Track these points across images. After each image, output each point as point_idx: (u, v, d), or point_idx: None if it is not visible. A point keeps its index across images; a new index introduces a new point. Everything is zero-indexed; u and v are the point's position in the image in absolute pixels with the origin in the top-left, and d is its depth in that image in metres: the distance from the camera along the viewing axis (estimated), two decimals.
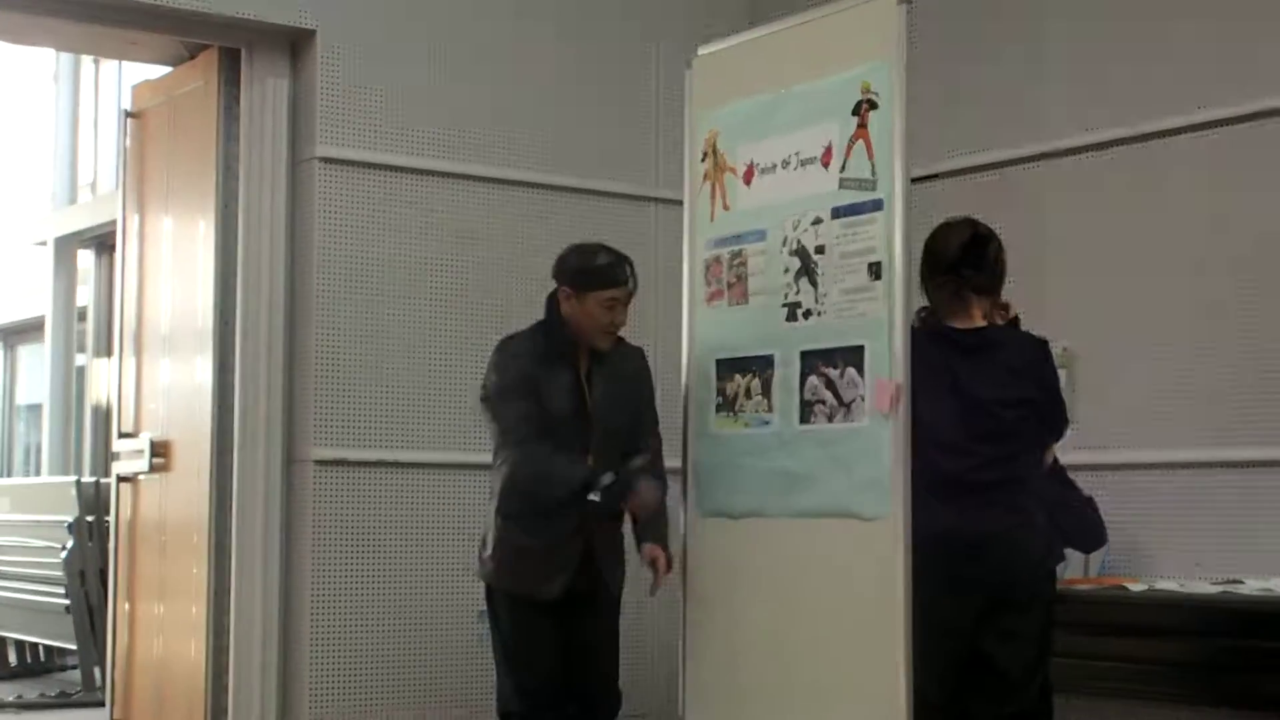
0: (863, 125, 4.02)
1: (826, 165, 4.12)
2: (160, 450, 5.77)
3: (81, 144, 15.09)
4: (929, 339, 3.88)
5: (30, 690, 8.05)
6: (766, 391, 4.23)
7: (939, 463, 3.80)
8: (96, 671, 7.58)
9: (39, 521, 8.31)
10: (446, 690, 5.28)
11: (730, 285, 4.39)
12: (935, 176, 5.47)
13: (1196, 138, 4.86)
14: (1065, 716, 4.69)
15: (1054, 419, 4.00)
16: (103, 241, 13.40)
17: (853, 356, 3.97)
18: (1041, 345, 4.00)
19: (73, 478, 8.77)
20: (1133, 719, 4.68)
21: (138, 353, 6.02)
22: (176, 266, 5.83)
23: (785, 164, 4.25)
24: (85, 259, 14.32)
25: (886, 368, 3.87)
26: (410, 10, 5.57)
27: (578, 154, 5.88)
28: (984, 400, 3.83)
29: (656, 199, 5.97)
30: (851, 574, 3.94)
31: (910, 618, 3.75)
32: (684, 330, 4.55)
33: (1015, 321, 4.05)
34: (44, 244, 14.66)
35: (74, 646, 7.94)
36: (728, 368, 4.37)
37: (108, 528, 6.61)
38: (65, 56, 14.54)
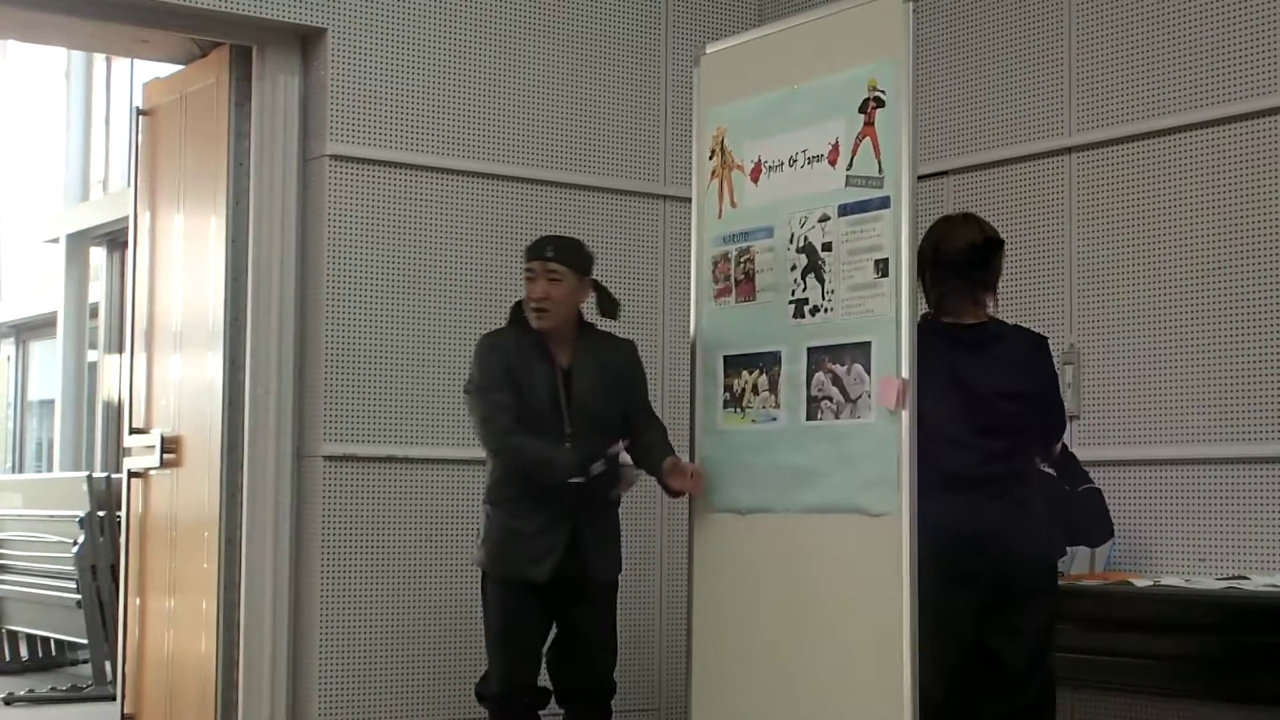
0: (870, 123, 4.04)
1: (834, 163, 4.14)
2: (171, 446, 5.79)
3: (93, 141, 15.15)
4: (929, 334, 3.90)
5: (41, 685, 8.08)
6: (774, 388, 4.25)
7: (941, 457, 3.82)
8: (107, 666, 7.61)
9: (51, 516, 8.34)
10: (457, 685, 5.30)
11: (738, 282, 4.41)
12: (942, 174, 5.49)
13: (1204, 135, 4.87)
14: (1070, 711, 4.73)
15: (1052, 414, 4.02)
16: (114, 238, 13.46)
17: (859, 353, 3.99)
18: (1040, 340, 4.03)
19: (84, 473, 8.79)
20: (1137, 714, 4.70)
21: (149, 349, 6.04)
22: (187, 263, 5.85)
23: (793, 161, 4.27)
24: (97, 256, 14.37)
25: (893, 364, 3.89)
26: (420, 8, 5.59)
27: (586, 151, 5.91)
28: (985, 394, 3.86)
29: (664, 196, 5.99)
30: (858, 569, 3.96)
31: (916, 613, 3.77)
32: (691, 326, 4.58)
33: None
34: (56, 241, 14.72)
35: (85, 641, 7.97)
36: (735, 364, 4.39)
37: (119, 523, 6.64)
38: (77, 54, 14.60)
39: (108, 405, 13.40)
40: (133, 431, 6.07)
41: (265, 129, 5.49)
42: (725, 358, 4.42)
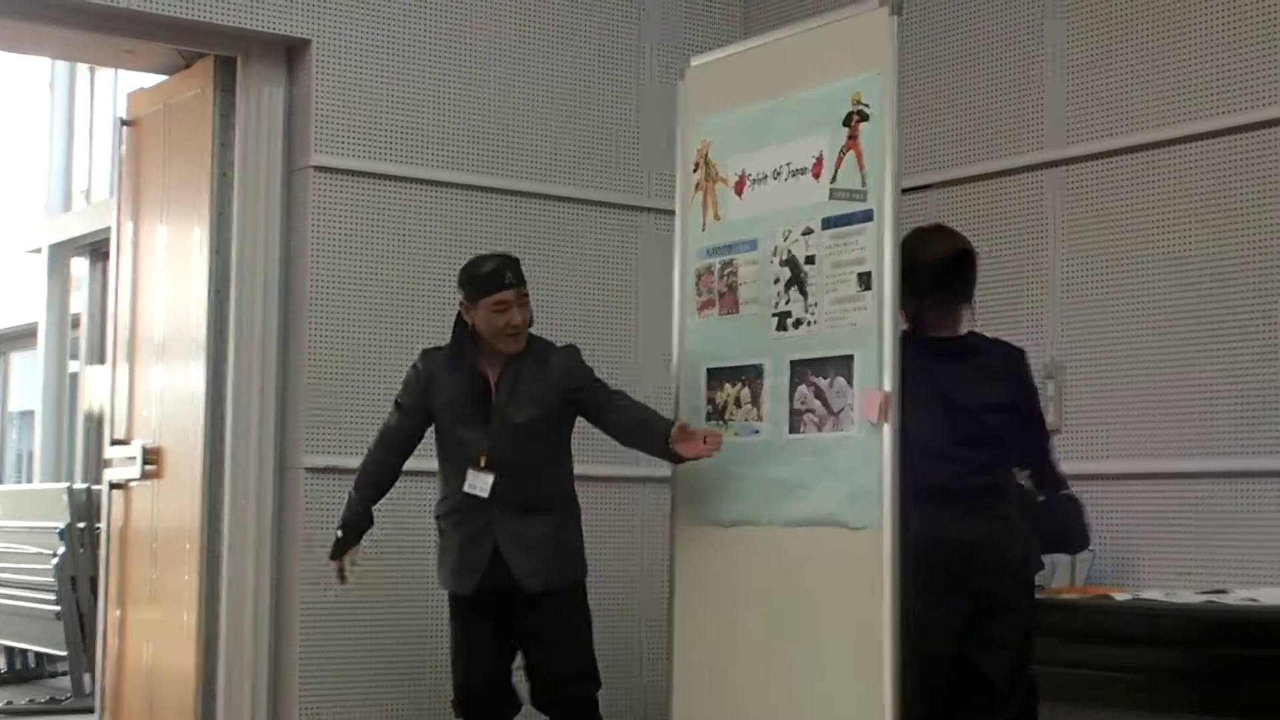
0: (853, 136, 4.04)
1: (817, 176, 4.14)
2: (152, 457, 5.78)
3: (76, 151, 15.09)
4: (911, 347, 3.90)
5: (20, 696, 8.06)
6: (756, 401, 4.25)
7: (923, 470, 3.82)
8: (86, 678, 7.59)
9: (31, 528, 8.31)
10: (437, 698, 5.28)
11: (721, 295, 4.41)
12: (926, 187, 5.51)
13: (1184, 150, 4.89)
14: None
15: (1033, 426, 4.02)
16: (97, 249, 13.41)
17: (842, 366, 4.00)
18: (1020, 353, 4.03)
19: (65, 484, 8.77)
20: None
21: (131, 360, 6.03)
22: (170, 274, 5.84)
23: (776, 174, 4.28)
24: (79, 266, 14.31)
25: (876, 377, 3.89)
26: (404, 20, 5.60)
27: (571, 163, 5.91)
28: (967, 405, 3.86)
29: (648, 209, 5.99)
30: (841, 583, 3.95)
31: (898, 627, 3.77)
32: (674, 339, 4.58)
33: None
34: (38, 251, 14.65)
35: (64, 653, 7.94)
36: (718, 377, 4.39)
37: (99, 534, 6.62)
38: (61, 64, 14.55)
39: (89, 416, 13.34)
40: (114, 443, 6.05)
41: (249, 140, 5.49)
42: (708, 370, 4.42)
